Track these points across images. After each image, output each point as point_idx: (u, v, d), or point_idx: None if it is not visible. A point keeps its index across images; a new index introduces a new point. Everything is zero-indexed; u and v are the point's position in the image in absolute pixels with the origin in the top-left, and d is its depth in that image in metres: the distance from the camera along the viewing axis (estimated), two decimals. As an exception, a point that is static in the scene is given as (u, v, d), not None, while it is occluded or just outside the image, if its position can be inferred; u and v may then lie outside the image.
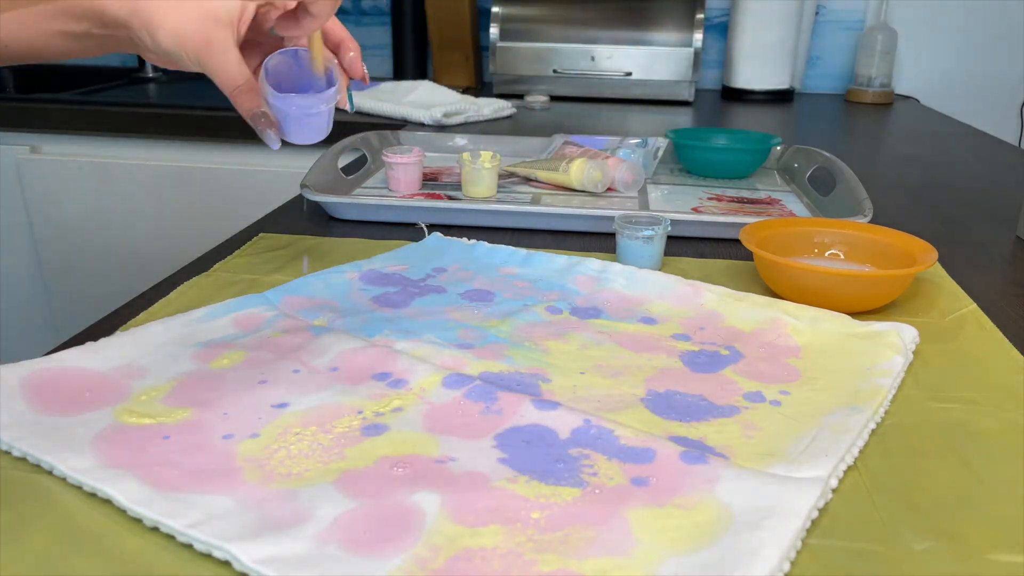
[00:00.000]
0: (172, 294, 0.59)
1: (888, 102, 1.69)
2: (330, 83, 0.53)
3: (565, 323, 0.55)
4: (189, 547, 0.33)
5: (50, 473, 0.37)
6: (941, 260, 0.66)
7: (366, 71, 0.56)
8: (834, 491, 0.37)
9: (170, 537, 0.33)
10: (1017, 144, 1.73)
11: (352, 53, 0.55)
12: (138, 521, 0.34)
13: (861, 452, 0.41)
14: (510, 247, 0.68)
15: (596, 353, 0.51)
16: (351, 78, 0.56)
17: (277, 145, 0.53)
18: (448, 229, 0.74)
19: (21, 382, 0.43)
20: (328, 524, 0.34)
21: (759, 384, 0.47)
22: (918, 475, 0.39)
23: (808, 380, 0.48)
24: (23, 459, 0.38)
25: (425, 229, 0.73)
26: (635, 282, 0.61)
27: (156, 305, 0.57)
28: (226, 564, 0.32)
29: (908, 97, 1.76)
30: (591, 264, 0.64)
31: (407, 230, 0.74)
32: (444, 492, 0.36)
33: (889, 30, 1.66)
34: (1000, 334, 0.55)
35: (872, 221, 0.70)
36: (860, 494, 0.38)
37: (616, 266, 0.63)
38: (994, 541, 0.35)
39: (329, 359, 0.49)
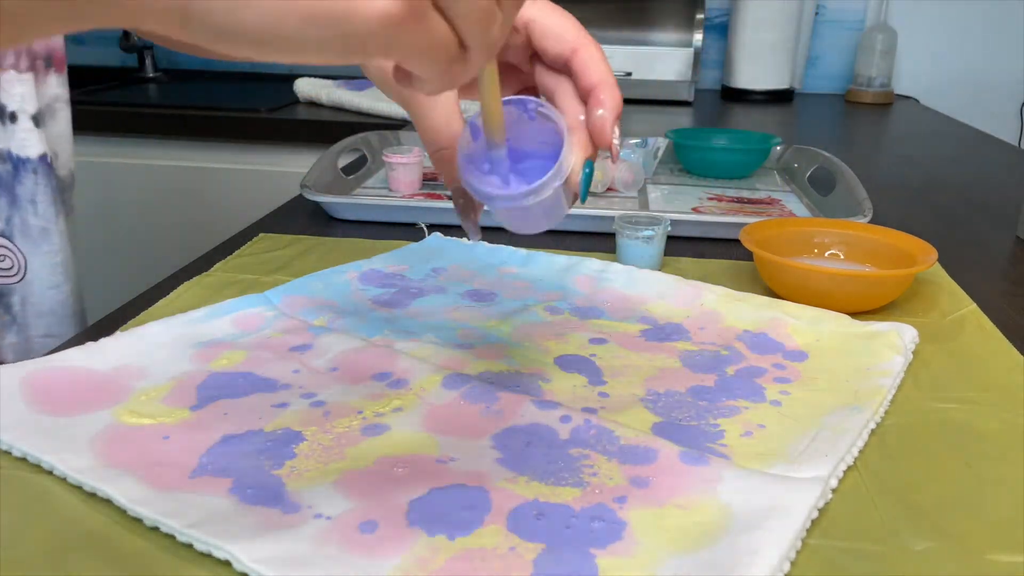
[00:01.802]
0: (172, 294, 0.59)
1: (888, 102, 1.69)
2: (557, 153, 0.36)
3: (565, 323, 0.55)
4: (189, 547, 0.33)
5: (50, 473, 0.37)
6: (941, 260, 0.66)
7: (617, 142, 0.36)
8: (834, 491, 0.37)
9: (170, 537, 0.33)
10: (1017, 144, 1.73)
11: (601, 111, 0.36)
12: (138, 521, 0.34)
13: (861, 452, 0.41)
14: (510, 247, 0.68)
15: (596, 353, 0.51)
16: (596, 147, 0.37)
17: (477, 237, 0.40)
18: (448, 229, 0.73)
19: (21, 382, 0.43)
20: (328, 524, 0.34)
21: (759, 384, 0.47)
22: (918, 475, 0.39)
23: (808, 380, 0.48)
24: (23, 459, 0.38)
25: (425, 229, 0.73)
26: (635, 282, 0.61)
27: (156, 305, 0.57)
28: (226, 564, 0.32)
29: (908, 97, 1.76)
30: (591, 264, 0.64)
31: (407, 230, 0.74)
32: (444, 492, 0.36)
33: (889, 30, 1.66)
34: (1000, 334, 0.55)
35: (872, 221, 0.70)
36: (860, 494, 0.38)
37: (616, 266, 0.63)
38: (994, 541, 0.35)
39: (329, 359, 0.49)
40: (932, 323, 0.56)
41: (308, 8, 0.23)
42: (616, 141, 0.36)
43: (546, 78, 0.37)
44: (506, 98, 0.35)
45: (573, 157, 0.36)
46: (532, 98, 0.36)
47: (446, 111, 0.36)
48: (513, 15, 0.28)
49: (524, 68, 0.39)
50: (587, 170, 0.36)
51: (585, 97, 0.36)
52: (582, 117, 0.36)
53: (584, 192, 0.36)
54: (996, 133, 1.40)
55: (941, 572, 0.33)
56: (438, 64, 0.26)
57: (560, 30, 0.36)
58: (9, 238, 0.64)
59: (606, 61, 0.36)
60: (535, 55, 0.37)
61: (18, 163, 0.64)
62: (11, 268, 0.64)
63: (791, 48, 1.64)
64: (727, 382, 0.48)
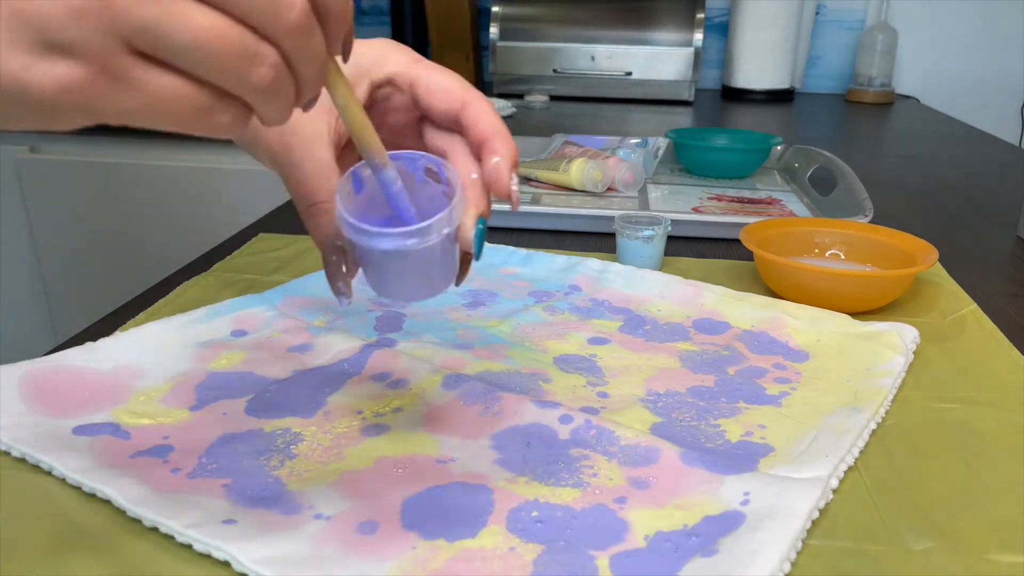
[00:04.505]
0: (172, 294, 0.59)
1: (888, 102, 1.69)
2: (443, 199, 0.33)
3: (565, 323, 0.55)
4: (189, 547, 0.33)
5: (50, 473, 0.37)
6: (941, 260, 0.66)
7: (517, 190, 0.34)
8: (834, 491, 0.37)
9: (170, 537, 0.33)
10: (1017, 144, 1.73)
11: (497, 159, 0.34)
12: (138, 521, 0.34)
13: (861, 452, 0.41)
14: (510, 247, 0.68)
15: (596, 353, 0.51)
16: (494, 195, 0.35)
17: (348, 301, 0.36)
18: (448, 229, 0.73)
19: (20, 382, 0.43)
20: (327, 525, 0.34)
21: (759, 384, 0.47)
22: (918, 475, 0.39)
23: (809, 380, 0.48)
24: (23, 459, 0.38)
25: (425, 229, 0.73)
26: (635, 282, 0.61)
27: (156, 305, 0.57)
28: (226, 564, 0.32)
29: (908, 97, 1.76)
30: (591, 264, 0.64)
31: (407, 230, 0.74)
32: (444, 492, 0.36)
33: (889, 30, 1.66)
34: (1000, 334, 0.55)
35: (872, 221, 0.70)
36: (860, 494, 0.38)
37: (616, 266, 0.63)
38: (994, 541, 0.35)
39: (328, 359, 0.49)
40: (932, 323, 0.56)
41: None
42: (515, 188, 0.34)
43: (437, 140, 0.36)
44: (394, 152, 0.33)
45: (466, 210, 0.33)
46: (421, 153, 0.34)
47: (322, 161, 0.34)
48: (341, 30, 0.26)
49: (412, 137, 0.37)
50: (480, 226, 0.34)
51: (478, 150, 0.34)
52: (474, 176, 0.34)
53: (478, 249, 0.34)
54: (996, 133, 1.40)
55: (941, 572, 0.33)
56: (268, 95, 0.24)
57: (446, 85, 0.35)
58: None
59: (496, 113, 0.35)
60: (423, 119, 0.36)
61: None
62: None
63: (791, 48, 1.64)
64: (727, 382, 0.48)
